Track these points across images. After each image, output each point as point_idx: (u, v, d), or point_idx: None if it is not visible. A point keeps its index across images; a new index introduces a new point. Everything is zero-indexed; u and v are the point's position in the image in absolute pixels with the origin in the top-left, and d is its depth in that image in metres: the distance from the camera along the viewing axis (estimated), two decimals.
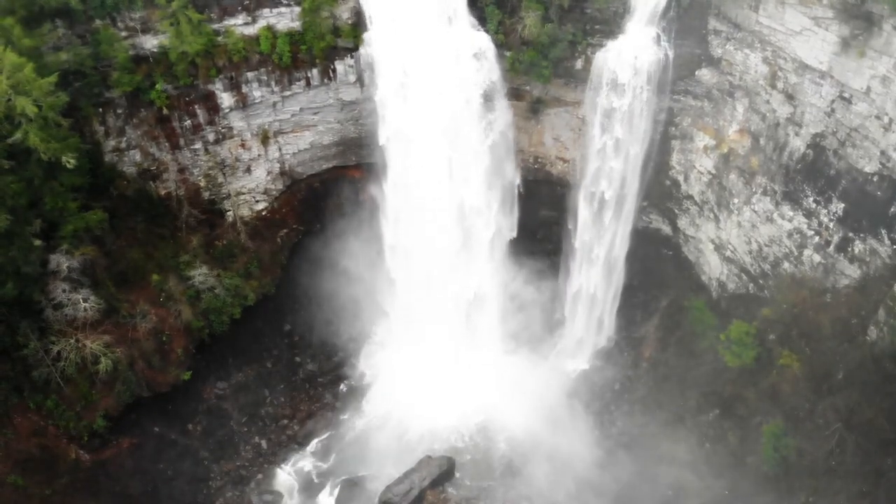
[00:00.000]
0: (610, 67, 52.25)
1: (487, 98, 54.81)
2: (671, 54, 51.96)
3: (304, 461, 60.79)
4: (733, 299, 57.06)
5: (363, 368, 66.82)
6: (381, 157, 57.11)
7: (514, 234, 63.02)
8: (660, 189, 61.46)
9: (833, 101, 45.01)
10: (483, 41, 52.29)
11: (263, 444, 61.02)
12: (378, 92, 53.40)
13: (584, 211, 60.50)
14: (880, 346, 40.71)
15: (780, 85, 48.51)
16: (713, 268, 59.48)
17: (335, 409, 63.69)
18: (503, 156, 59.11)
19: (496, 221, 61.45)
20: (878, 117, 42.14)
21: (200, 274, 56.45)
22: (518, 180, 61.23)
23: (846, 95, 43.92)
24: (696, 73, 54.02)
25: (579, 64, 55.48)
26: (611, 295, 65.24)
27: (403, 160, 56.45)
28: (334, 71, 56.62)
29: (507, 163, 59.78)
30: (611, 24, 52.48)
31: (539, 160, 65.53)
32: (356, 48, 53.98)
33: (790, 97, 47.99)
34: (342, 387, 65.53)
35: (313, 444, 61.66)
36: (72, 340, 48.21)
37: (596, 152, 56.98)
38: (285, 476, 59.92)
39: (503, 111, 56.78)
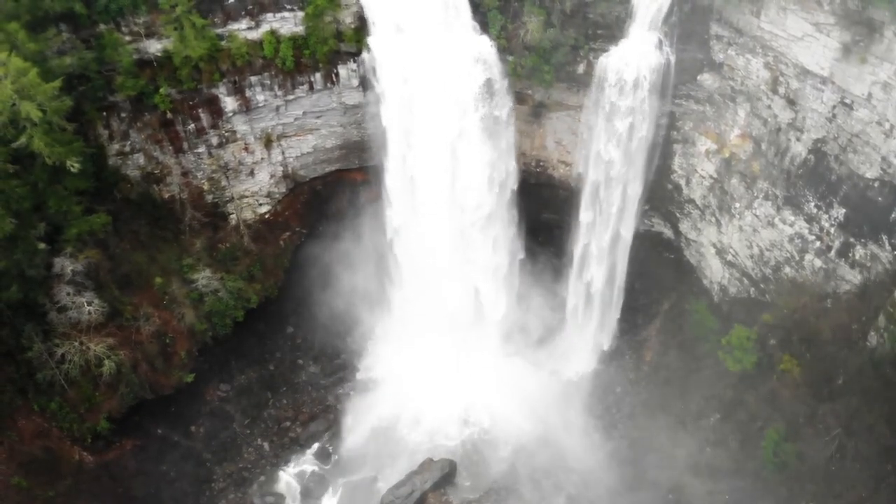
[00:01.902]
0: (612, 72, 52.30)
1: (489, 102, 54.95)
2: (673, 59, 51.99)
3: (306, 463, 61.02)
4: (735, 303, 57.16)
5: (365, 371, 67.01)
6: (383, 160, 57.33)
7: (516, 237, 63.25)
8: (661, 192, 61.59)
9: (834, 107, 45.07)
10: (485, 46, 52.41)
11: (266, 446, 61.26)
12: (381, 96, 53.61)
13: (585, 214, 60.61)
14: (880, 351, 40.81)
15: (781, 90, 48.59)
16: (714, 271, 59.58)
17: (337, 411, 63.85)
18: (505, 158, 59.30)
19: (497, 223, 61.63)
20: (879, 123, 42.19)
21: (203, 277, 56.67)
22: (516, 184, 61.30)
23: (847, 101, 43.97)
24: (698, 77, 54.11)
25: (581, 68, 55.60)
26: (612, 298, 65.34)
27: (406, 163, 56.67)
28: (337, 75, 56.87)
29: (509, 165, 59.94)
30: (613, 29, 52.52)
31: (541, 163, 65.67)
32: (359, 52, 54.16)
33: (791, 102, 48.07)
34: (344, 389, 65.70)
35: (315, 447, 61.86)
36: (76, 343, 48.46)
37: (598, 156, 57.09)
38: (288, 478, 60.12)
39: (505, 114, 56.90)
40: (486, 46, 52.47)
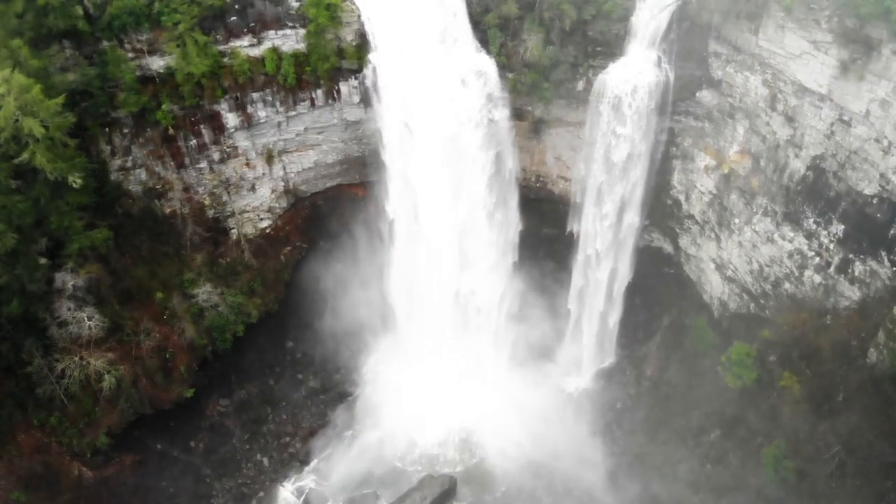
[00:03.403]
0: (611, 89, 52.68)
1: (490, 119, 55.28)
2: (672, 76, 52.41)
3: (305, 479, 60.71)
4: (734, 319, 57.18)
5: (365, 386, 66.79)
6: (383, 175, 57.57)
7: (516, 251, 63.45)
8: (661, 208, 61.79)
9: (832, 124, 45.31)
10: (485, 63, 52.84)
11: (265, 461, 61.10)
12: (381, 112, 53.94)
13: (585, 229, 60.77)
14: (880, 368, 40.76)
15: (779, 107, 48.85)
16: (714, 287, 59.63)
17: (337, 426, 63.64)
18: (505, 174, 59.55)
19: (498, 237, 61.77)
20: (877, 140, 42.39)
21: (204, 292, 56.86)
22: (517, 199, 61.54)
23: (845, 118, 44.22)
24: (697, 94, 54.44)
25: (581, 85, 56.00)
26: (613, 313, 65.34)
27: (405, 178, 56.91)
28: (338, 92, 57.25)
29: (509, 181, 60.17)
30: (612, 47, 52.98)
31: (541, 179, 65.95)
32: (360, 70, 54.54)
33: (790, 119, 48.31)
34: (344, 404, 65.51)
35: (315, 462, 61.58)
36: (76, 358, 48.63)
37: (597, 172, 57.32)
38: (287, 494, 59.78)
39: (505, 131, 57.22)
40: (486, 64, 52.85)
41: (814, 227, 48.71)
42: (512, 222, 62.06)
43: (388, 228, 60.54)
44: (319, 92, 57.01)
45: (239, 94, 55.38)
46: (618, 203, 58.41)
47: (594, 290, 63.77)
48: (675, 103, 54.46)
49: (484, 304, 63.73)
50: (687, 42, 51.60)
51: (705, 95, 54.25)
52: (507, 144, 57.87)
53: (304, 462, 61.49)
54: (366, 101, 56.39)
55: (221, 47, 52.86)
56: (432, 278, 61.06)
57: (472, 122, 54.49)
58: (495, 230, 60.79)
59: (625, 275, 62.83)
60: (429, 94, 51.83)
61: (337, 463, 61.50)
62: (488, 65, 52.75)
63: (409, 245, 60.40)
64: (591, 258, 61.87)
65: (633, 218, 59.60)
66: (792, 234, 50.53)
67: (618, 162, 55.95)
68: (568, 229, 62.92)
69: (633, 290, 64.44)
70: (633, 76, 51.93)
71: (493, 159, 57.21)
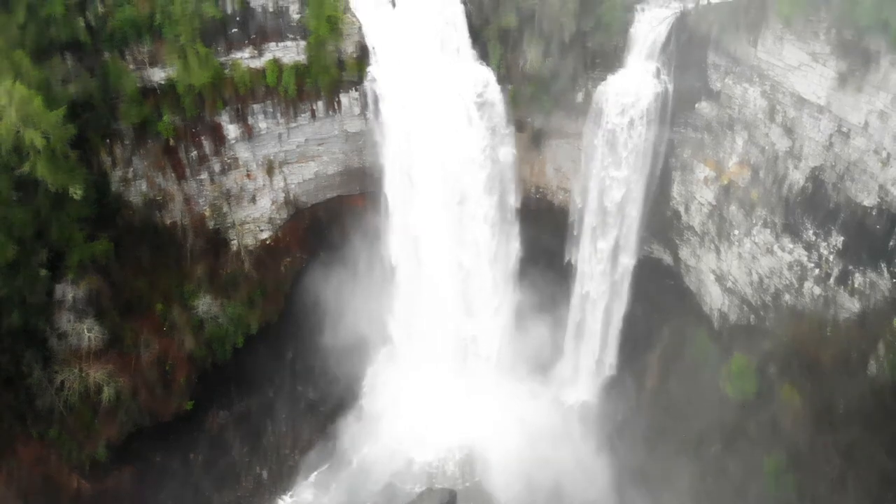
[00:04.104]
0: (610, 100, 52.89)
1: (490, 130, 55.46)
2: (671, 87, 52.61)
3: (305, 492, 60.66)
4: (735, 330, 57.03)
5: (365, 398, 66.76)
6: (383, 186, 57.70)
7: (517, 261, 63.51)
8: (661, 219, 61.76)
9: (831, 136, 45.37)
10: (485, 74, 53.07)
11: (264, 474, 60.94)
12: (382, 123, 54.13)
13: (585, 240, 60.82)
14: (880, 380, 40.61)
15: (778, 118, 48.97)
16: (714, 298, 59.56)
17: (337, 439, 63.55)
18: (505, 185, 59.69)
19: (497, 249, 61.82)
20: (876, 152, 42.43)
21: (204, 303, 56.90)
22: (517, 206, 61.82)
23: (844, 130, 44.28)
24: (696, 105, 54.60)
25: (580, 97, 56.15)
26: (613, 324, 65.29)
27: (406, 190, 57.02)
28: (339, 103, 57.40)
29: (509, 192, 60.30)
30: (611, 59, 53.17)
31: (541, 190, 66.03)
32: (361, 81, 54.74)
33: (789, 131, 48.41)
34: (344, 417, 65.45)
35: (314, 475, 61.55)
36: (75, 370, 48.60)
37: (597, 183, 57.45)
38: None
39: (505, 142, 57.39)
40: (486, 75, 53.07)
41: (813, 238, 48.71)
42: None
43: (389, 238, 60.41)
44: (320, 103, 57.19)
45: (240, 106, 55.54)
46: (616, 214, 58.51)
47: (594, 302, 63.79)
48: (674, 114, 54.59)
49: (484, 316, 63.64)
50: (686, 54, 51.80)
51: (704, 107, 54.40)
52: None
53: (304, 475, 61.39)
54: (366, 112, 56.55)
55: (222, 59, 53.04)
56: (432, 290, 61.02)
57: (472, 133, 54.59)
58: (497, 238, 61.00)
59: (624, 286, 62.83)
60: (429, 105, 51.99)
61: (336, 477, 61.35)
62: (488, 76, 52.93)
63: (409, 256, 60.30)
64: (590, 270, 62.02)
65: (632, 229, 59.67)
66: (791, 246, 50.52)
67: (617, 173, 56.16)
68: (575, 244, 63.01)
69: (632, 301, 64.28)
70: (632, 88, 52.15)
71: (493, 169, 57.35)
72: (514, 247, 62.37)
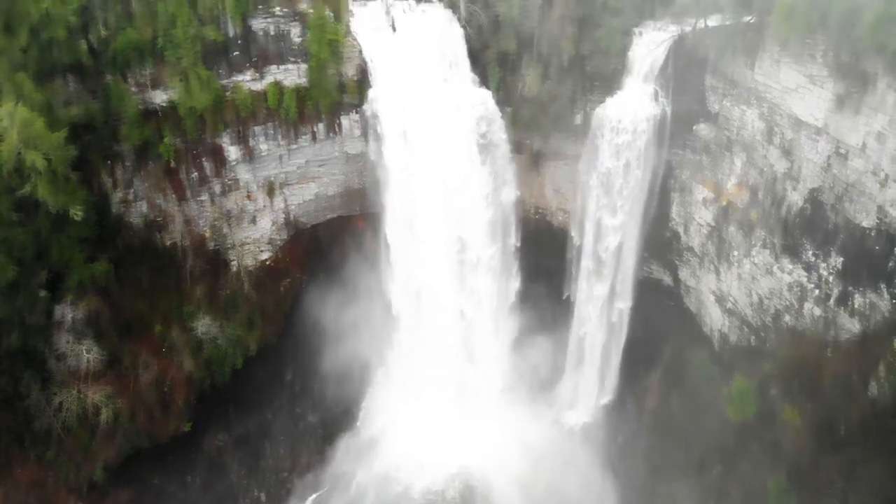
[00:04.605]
0: (609, 122, 53.21)
1: (489, 152, 55.73)
2: (669, 110, 52.97)
3: None
4: (735, 351, 56.88)
5: (364, 420, 66.35)
6: (384, 208, 57.87)
7: (516, 284, 63.54)
8: (660, 240, 61.87)
9: (829, 157, 45.59)
10: (485, 98, 53.44)
11: (263, 497, 60.46)
12: (382, 146, 54.39)
13: (585, 261, 60.90)
14: (882, 402, 40.48)
15: (776, 140, 49.23)
16: (714, 319, 59.48)
17: (335, 461, 63.01)
18: (505, 207, 59.86)
19: (497, 271, 61.85)
20: (874, 173, 42.63)
21: (203, 324, 56.77)
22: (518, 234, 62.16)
23: (842, 151, 44.51)
24: (694, 127, 54.94)
25: (579, 119, 56.53)
26: (613, 346, 65.12)
27: (406, 212, 57.17)
28: (340, 125, 57.78)
29: (509, 214, 60.48)
30: (609, 81, 53.59)
31: (540, 211, 66.23)
32: (361, 104, 55.10)
33: (787, 152, 48.66)
34: (343, 439, 64.92)
35: (312, 499, 60.98)
36: (74, 391, 48.40)
37: (596, 204, 57.64)
38: None
39: (505, 165, 57.67)
40: (486, 98, 53.45)
41: (813, 259, 48.75)
42: (514, 251, 62.69)
43: (388, 259, 60.46)
44: (321, 125, 57.55)
45: (241, 128, 55.87)
46: (616, 235, 58.65)
47: (594, 323, 63.69)
48: (672, 136, 54.92)
49: (484, 337, 63.51)
50: (684, 76, 52.20)
51: (702, 129, 54.72)
52: (507, 177, 58.43)
53: (302, 498, 60.85)
54: (367, 134, 56.72)
55: (224, 82, 53.46)
56: (432, 311, 60.95)
57: (471, 155, 54.86)
58: (497, 260, 61.23)
59: (624, 307, 62.81)
60: (429, 128, 52.37)
61: (334, 501, 60.78)
62: (488, 99, 53.34)
63: (409, 277, 60.34)
64: (590, 291, 62.07)
65: (631, 250, 59.78)
66: (791, 267, 50.56)
67: (616, 194, 56.43)
68: (575, 265, 63.23)
69: (633, 322, 64.17)
70: (630, 110, 52.54)
71: (493, 191, 57.57)
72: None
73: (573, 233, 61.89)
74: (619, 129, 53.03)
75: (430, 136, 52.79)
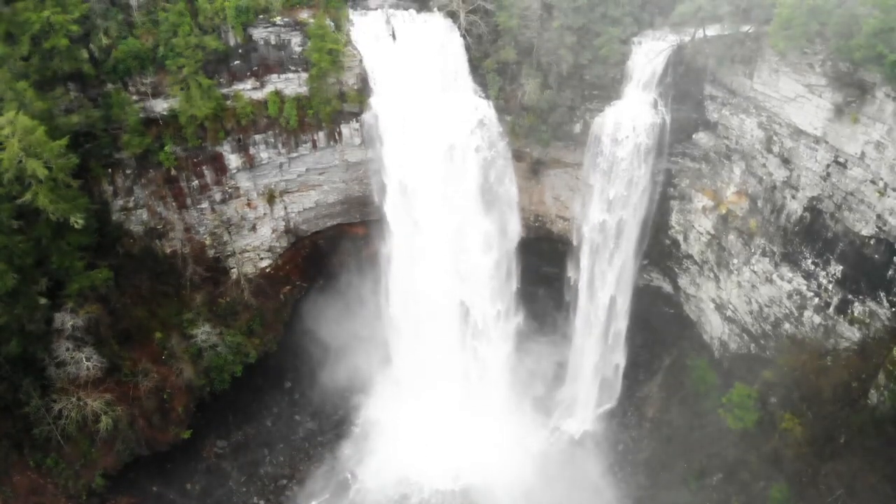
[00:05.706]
0: (608, 131, 53.32)
1: (489, 161, 55.87)
2: (668, 118, 53.05)
3: None
4: (735, 359, 56.95)
5: (364, 427, 66.28)
6: (384, 216, 57.99)
7: (516, 290, 63.58)
8: (660, 248, 62.00)
9: (828, 166, 45.72)
10: (484, 106, 53.60)
11: None
12: (382, 154, 54.55)
13: (584, 269, 60.91)
14: (881, 410, 40.49)
15: (775, 149, 49.37)
16: (714, 327, 59.53)
17: (335, 469, 62.96)
18: (505, 215, 59.96)
19: (497, 278, 61.92)
20: (873, 182, 42.74)
21: (203, 332, 56.71)
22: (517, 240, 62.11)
23: (841, 160, 44.64)
24: (694, 136, 55.08)
25: (578, 128, 56.61)
26: (613, 354, 65.13)
27: (406, 219, 57.28)
28: (340, 134, 57.86)
29: (509, 222, 60.56)
30: (609, 90, 53.69)
31: (540, 218, 66.34)
32: (362, 112, 55.24)
33: (786, 161, 48.79)
34: (342, 446, 64.89)
35: None
36: (73, 398, 48.29)
37: (595, 212, 57.72)
38: None
39: (504, 173, 57.79)
40: (485, 107, 53.60)
41: (812, 267, 48.83)
42: (514, 257, 62.71)
43: (388, 266, 60.58)
44: (321, 134, 57.65)
45: (241, 136, 56.00)
46: (615, 243, 58.78)
47: (594, 331, 63.69)
48: (671, 145, 55.06)
49: (484, 346, 63.53)
50: (683, 85, 52.35)
51: (702, 137, 54.87)
52: (507, 185, 58.55)
53: None
54: (367, 142, 56.94)
55: (224, 90, 53.59)
56: (432, 320, 60.97)
57: (471, 164, 55.05)
58: (497, 267, 61.35)
59: (624, 315, 62.85)
60: (429, 136, 52.55)
61: None
62: (487, 108, 53.55)
63: (409, 285, 60.37)
64: (590, 298, 62.09)
65: (631, 258, 59.89)
66: (791, 275, 50.63)
67: (615, 202, 56.52)
68: (575, 272, 63.24)
69: (633, 331, 64.28)
70: (629, 119, 52.60)
71: (494, 200, 57.72)
72: (513, 284, 63.16)
73: (573, 239, 61.91)
74: (619, 138, 53.05)
75: (429, 144, 52.83)
